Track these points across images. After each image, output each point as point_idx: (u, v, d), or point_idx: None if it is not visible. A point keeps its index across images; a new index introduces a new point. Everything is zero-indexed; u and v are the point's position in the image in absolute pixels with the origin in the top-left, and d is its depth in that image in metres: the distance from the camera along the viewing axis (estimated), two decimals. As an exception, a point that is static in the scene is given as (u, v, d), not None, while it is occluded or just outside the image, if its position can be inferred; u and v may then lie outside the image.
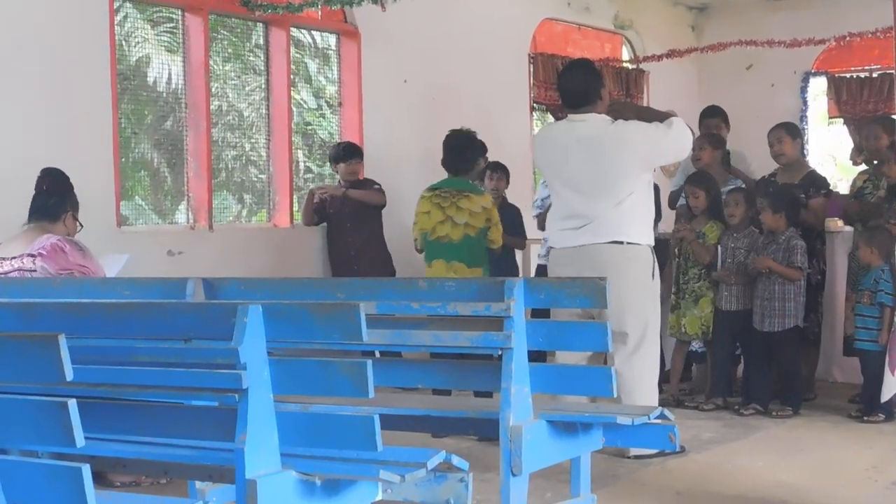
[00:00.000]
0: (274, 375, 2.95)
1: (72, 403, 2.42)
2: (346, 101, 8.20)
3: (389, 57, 8.22)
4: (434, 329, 3.90)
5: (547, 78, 9.57)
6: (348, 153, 7.53)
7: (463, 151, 6.30)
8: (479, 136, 6.95)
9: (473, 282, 4.31)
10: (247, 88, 7.95)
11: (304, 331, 3.04)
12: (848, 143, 10.17)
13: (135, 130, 7.12)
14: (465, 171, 6.30)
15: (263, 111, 7.76)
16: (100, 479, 4.32)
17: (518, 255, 7.52)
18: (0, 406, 2.59)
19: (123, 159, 6.85)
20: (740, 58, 10.36)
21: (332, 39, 8.27)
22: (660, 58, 10.26)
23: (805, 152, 9.79)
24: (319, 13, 7.86)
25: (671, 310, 6.82)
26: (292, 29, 7.79)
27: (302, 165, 8.38)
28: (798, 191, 6.91)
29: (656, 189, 6.00)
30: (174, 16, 7.21)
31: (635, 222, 5.47)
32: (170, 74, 7.27)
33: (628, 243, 5.44)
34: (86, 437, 2.45)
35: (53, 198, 5.12)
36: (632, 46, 10.91)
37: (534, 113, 9.77)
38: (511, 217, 7.23)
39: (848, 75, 10.73)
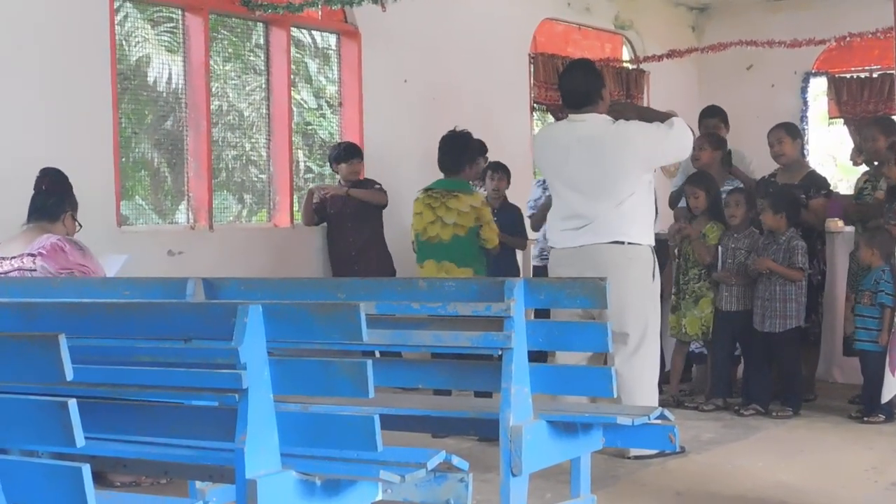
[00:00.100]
0: (274, 375, 2.95)
1: (72, 403, 2.42)
2: (346, 101, 8.20)
3: (390, 57, 8.23)
4: (434, 329, 3.90)
5: (547, 78, 9.57)
6: (349, 153, 7.53)
7: (454, 152, 6.30)
8: (480, 137, 6.96)
9: (474, 282, 4.31)
10: (247, 88, 7.95)
11: (305, 331, 3.04)
12: (848, 144, 10.16)
13: (135, 130, 7.12)
14: (457, 171, 6.29)
15: (264, 111, 7.76)
16: (100, 479, 4.32)
17: (519, 255, 7.51)
18: (0, 406, 2.59)
19: (124, 159, 6.85)
20: (741, 58, 10.37)
21: (333, 39, 8.27)
22: (660, 58, 10.26)
23: (805, 153, 9.79)
24: (320, 13, 7.87)
25: (671, 310, 6.82)
26: (292, 29, 7.79)
27: (302, 165, 8.38)
28: (798, 191, 6.91)
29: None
30: (174, 15, 7.21)
31: (636, 222, 5.47)
32: (170, 74, 7.27)
33: (629, 243, 5.44)
34: (86, 437, 2.45)
35: (52, 198, 5.12)
36: (632, 46, 10.91)
37: (534, 113, 9.76)
38: (512, 217, 7.24)
39: (848, 75, 10.73)
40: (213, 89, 7.32)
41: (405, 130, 8.26)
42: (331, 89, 8.38)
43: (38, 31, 6.07)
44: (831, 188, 7.47)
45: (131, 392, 3.21)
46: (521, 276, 7.34)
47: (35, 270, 4.80)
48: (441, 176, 6.35)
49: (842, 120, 10.76)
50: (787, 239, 6.50)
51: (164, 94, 7.31)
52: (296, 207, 7.77)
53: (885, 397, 5.19)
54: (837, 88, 10.72)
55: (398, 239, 7.41)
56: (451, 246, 6.18)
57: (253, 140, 7.90)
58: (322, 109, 8.52)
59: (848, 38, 9.34)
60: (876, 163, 6.91)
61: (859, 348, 6.35)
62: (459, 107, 8.36)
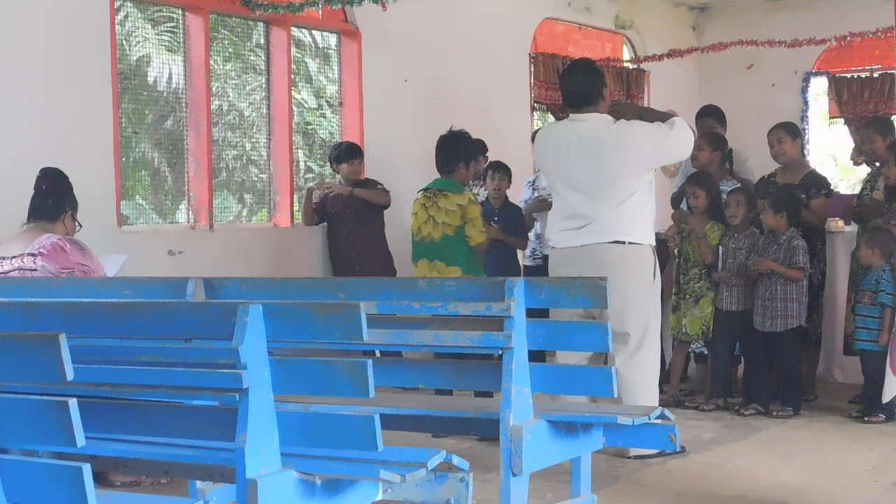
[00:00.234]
0: (274, 375, 2.95)
1: (72, 403, 2.42)
2: (346, 101, 8.19)
3: (390, 56, 8.22)
4: (435, 329, 3.90)
5: (548, 78, 9.57)
6: (350, 153, 7.52)
7: (447, 152, 6.33)
8: (480, 136, 6.96)
9: (474, 282, 4.31)
10: (247, 88, 7.95)
11: (305, 330, 3.04)
12: (848, 144, 10.16)
13: (135, 130, 7.12)
14: (450, 170, 6.31)
15: (264, 111, 7.76)
16: (100, 479, 4.32)
17: (520, 255, 7.51)
18: (1, 405, 2.59)
19: (124, 159, 6.85)
20: (741, 58, 10.36)
21: (333, 39, 8.27)
22: (660, 58, 10.25)
23: (805, 153, 9.79)
24: (320, 13, 7.86)
25: (672, 310, 6.82)
26: (293, 28, 7.79)
27: (302, 165, 8.37)
28: (798, 191, 6.91)
29: None
30: (175, 15, 7.21)
31: (637, 222, 5.47)
32: (170, 74, 7.27)
33: (630, 243, 5.44)
34: (86, 437, 2.45)
35: (52, 198, 5.12)
36: (632, 46, 10.91)
37: (534, 113, 9.76)
38: (512, 217, 7.24)
39: (849, 75, 10.72)
40: (214, 89, 7.32)
41: (405, 130, 8.25)
42: (331, 89, 8.38)
43: (39, 30, 6.07)
44: (831, 188, 7.47)
45: (132, 392, 3.21)
46: (522, 275, 7.34)
47: (35, 270, 4.80)
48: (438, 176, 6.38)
49: (842, 120, 10.75)
50: (787, 239, 6.50)
51: (165, 94, 7.31)
52: (296, 207, 7.77)
53: (886, 397, 5.18)
54: (838, 88, 10.72)
55: (398, 239, 7.41)
56: (442, 245, 6.22)
57: (253, 140, 7.90)
58: (322, 109, 8.52)
59: (848, 38, 9.33)
60: (878, 164, 6.91)
61: (860, 348, 6.35)
62: (460, 107, 8.36)
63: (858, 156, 7.72)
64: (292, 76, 7.80)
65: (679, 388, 7.04)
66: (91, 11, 6.30)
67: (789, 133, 7.14)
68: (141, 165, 7.38)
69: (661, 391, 6.19)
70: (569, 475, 4.17)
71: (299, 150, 8.22)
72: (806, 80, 10.91)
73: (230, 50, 7.80)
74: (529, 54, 9.61)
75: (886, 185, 6.57)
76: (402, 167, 8.00)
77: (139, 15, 7.31)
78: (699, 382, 7.19)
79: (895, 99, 10.30)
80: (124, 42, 7.07)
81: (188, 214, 7.17)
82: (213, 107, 7.26)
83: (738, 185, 7.12)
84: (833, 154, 12.72)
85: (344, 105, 8.21)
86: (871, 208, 6.69)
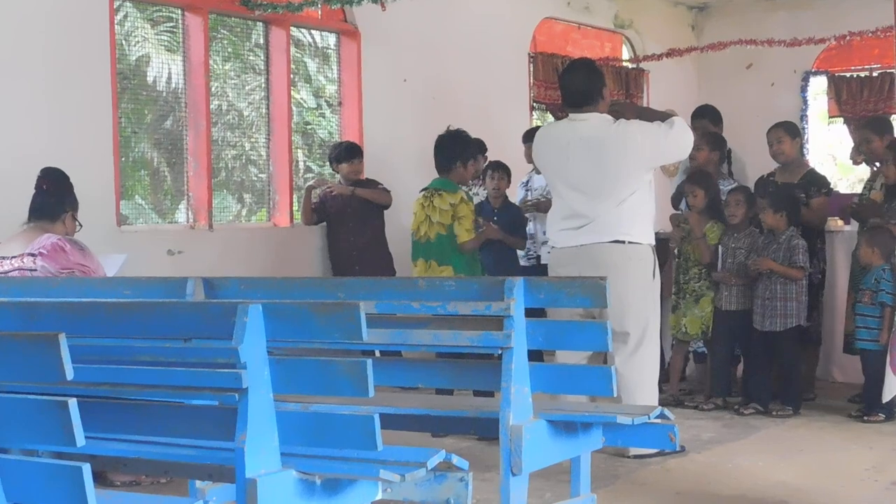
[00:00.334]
0: (274, 375, 2.95)
1: (72, 403, 2.42)
2: (345, 101, 8.19)
3: (389, 56, 8.22)
4: (434, 328, 3.90)
5: (547, 77, 9.57)
6: (350, 153, 7.52)
7: (444, 152, 6.37)
8: (480, 136, 6.96)
9: (474, 281, 4.31)
10: (247, 88, 7.95)
11: (305, 330, 3.04)
12: (848, 143, 10.16)
13: (135, 130, 7.12)
14: (447, 170, 6.34)
15: (263, 110, 7.76)
16: (100, 479, 4.32)
17: (520, 255, 7.51)
18: (0, 405, 2.59)
19: (123, 159, 6.85)
20: (740, 57, 10.36)
21: (332, 39, 8.26)
22: (660, 57, 10.25)
23: (805, 152, 9.79)
24: (319, 12, 7.86)
25: (672, 310, 6.82)
26: (292, 28, 7.79)
27: (302, 165, 8.37)
28: (798, 190, 6.91)
29: None
30: (174, 15, 7.21)
31: (636, 222, 5.47)
32: (170, 74, 7.27)
33: (629, 242, 5.44)
34: (86, 437, 2.45)
35: (53, 198, 5.12)
36: (632, 46, 10.90)
37: (534, 112, 9.76)
38: (512, 217, 7.23)
39: (848, 74, 10.72)
40: (213, 89, 7.32)
41: (405, 130, 8.25)
42: (330, 89, 8.38)
43: (38, 30, 6.07)
44: (831, 187, 7.47)
45: (131, 391, 3.21)
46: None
47: (35, 270, 4.80)
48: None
49: (841, 119, 10.75)
50: (786, 238, 6.50)
51: (164, 94, 7.31)
52: (295, 207, 7.77)
53: (886, 397, 5.18)
54: (837, 87, 10.71)
55: (398, 239, 7.42)
56: (436, 244, 6.27)
57: (252, 139, 7.90)
58: (321, 109, 8.52)
59: (848, 37, 9.33)
60: (877, 164, 6.92)
61: (860, 347, 6.35)
62: (459, 106, 8.36)
63: (858, 155, 7.72)
64: (291, 76, 7.80)
65: (678, 387, 7.04)
66: (90, 11, 6.30)
67: (788, 132, 7.14)
68: (140, 165, 7.38)
69: (661, 390, 6.19)
70: (568, 474, 4.17)
71: (298, 150, 8.22)
72: (805, 80, 10.90)
73: (229, 50, 7.80)
74: (529, 54, 9.61)
75: (886, 184, 6.58)
76: (402, 167, 8.00)
77: (138, 15, 7.31)
78: (698, 382, 7.19)
79: (894, 98, 10.30)
80: (124, 42, 7.06)
81: (187, 214, 7.17)
82: (212, 106, 7.26)
83: (736, 184, 7.12)
84: (832, 153, 12.72)
85: (343, 105, 8.21)
86: (869, 208, 6.69)
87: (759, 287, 6.54)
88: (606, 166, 5.42)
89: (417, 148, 7.67)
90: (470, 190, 7.17)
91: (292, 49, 7.83)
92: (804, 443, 5.83)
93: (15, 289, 4.26)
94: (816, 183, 7.07)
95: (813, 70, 10.89)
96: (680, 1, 11.20)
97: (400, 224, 7.36)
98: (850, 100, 10.62)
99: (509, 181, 7.46)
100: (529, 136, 7.69)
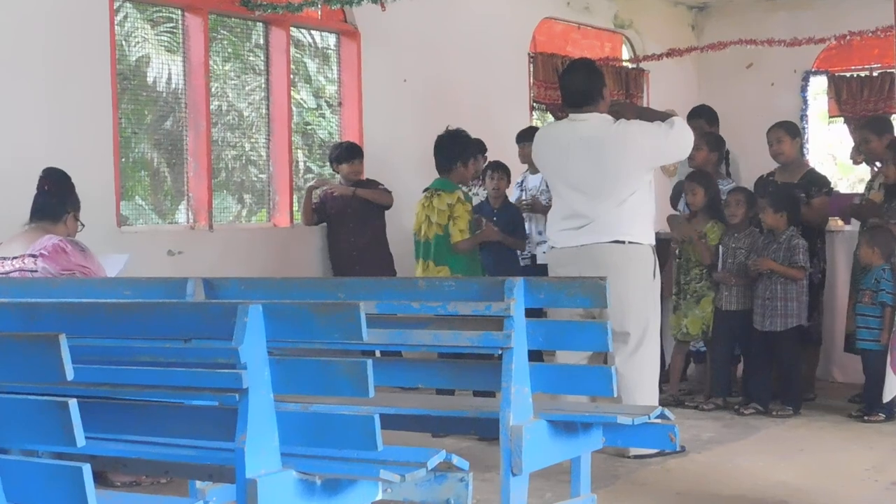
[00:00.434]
0: (274, 375, 2.95)
1: (72, 403, 2.42)
2: (345, 101, 8.19)
3: (389, 56, 8.22)
4: (434, 329, 3.90)
5: (547, 77, 9.57)
6: (351, 153, 7.52)
7: (444, 152, 6.37)
8: (480, 136, 6.97)
9: (474, 281, 4.32)
10: (247, 88, 7.95)
11: (305, 330, 3.04)
12: (848, 143, 10.16)
13: (135, 130, 7.12)
14: (447, 170, 6.35)
15: (263, 111, 7.76)
16: (100, 479, 4.32)
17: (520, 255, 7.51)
18: (1, 406, 2.59)
19: (123, 159, 6.85)
20: (740, 57, 10.36)
21: (332, 39, 8.26)
22: (660, 57, 10.25)
23: (805, 152, 9.79)
24: (319, 13, 7.86)
25: (673, 310, 6.82)
26: (292, 29, 7.79)
27: (302, 165, 8.37)
28: (798, 190, 6.91)
29: None
30: (174, 16, 7.21)
31: (637, 222, 5.47)
32: (170, 74, 7.27)
33: (630, 242, 5.44)
34: (86, 437, 2.45)
35: (54, 198, 5.12)
36: (632, 46, 10.91)
37: (534, 112, 9.76)
38: (511, 217, 7.23)
39: (848, 74, 10.72)
40: (213, 89, 7.32)
41: (405, 130, 8.25)
42: (330, 89, 8.38)
43: (39, 31, 6.07)
44: (831, 186, 7.47)
45: (132, 392, 3.21)
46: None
47: (36, 271, 4.80)
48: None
49: (842, 119, 10.75)
50: (787, 238, 6.50)
51: (164, 94, 7.31)
52: (296, 207, 7.77)
53: (887, 397, 5.18)
54: (837, 87, 10.71)
55: (398, 240, 7.42)
56: (434, 244, 6.29)
57: (252, 140, 7.90)
58: (321, 109, 8.52)
59: (848, 37, 9.32)
60: (878, 163, 6.92)
61: (861, 347, 6.35)
62: (459, 106, 8.36)
63: (858, 155, 7.72)
64: (291, 76, 7.80)
65: (679, 387, 7.04)
66: (90, 12, 6.30)
67: (788, 132, 7.14)
68: (140, 166, 7.38)
69: (661, 391, 6.19)
70: (568, 475, 4.17)
71: (298, 151, 8.22)
72: (805, 79, 10.90)
73: (229, 50, 7.80)
74: (529, 54, 9.61)
75: (885, 184, 6.58)
76: (402, 167, 8.00)
77: (138, 15, 7.31)
78: (698, 382, 7.19)
79: (895, 98, 10.30)
80: (124, 42, 7.07)
81: (188, 215, 7.17)
82: (212, 107, 7.26)
83: (735, 184, 7.12)
84: (832, 153, 12.71)
85: (343, 105, 8.21)
86: (868, 208, 6.69)
87: (760, 287, 6.53)
88: (606, 166, 5.42)
89: (417, 148, 7.67)
90: (470, 190, 7.16)
91: (292, 49, 7.83)
92: (804, 443, 5.83)
93: (15, 289, 4.26)
94: (817, 182, 7.07)
95: (813, 70, 10.90)
96: (680, 1, 11.20)
97: (400, 224, 7.36)
98: (850, 99, 10.62)
99: (509, 181, 7.46)
100: (522, 137, 7.71)
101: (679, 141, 5.53)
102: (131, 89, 7.01)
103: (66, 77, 6.18)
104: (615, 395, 4.14)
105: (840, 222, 7.50)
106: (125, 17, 7.12)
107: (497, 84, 9.12)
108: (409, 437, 4.28)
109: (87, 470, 2.47)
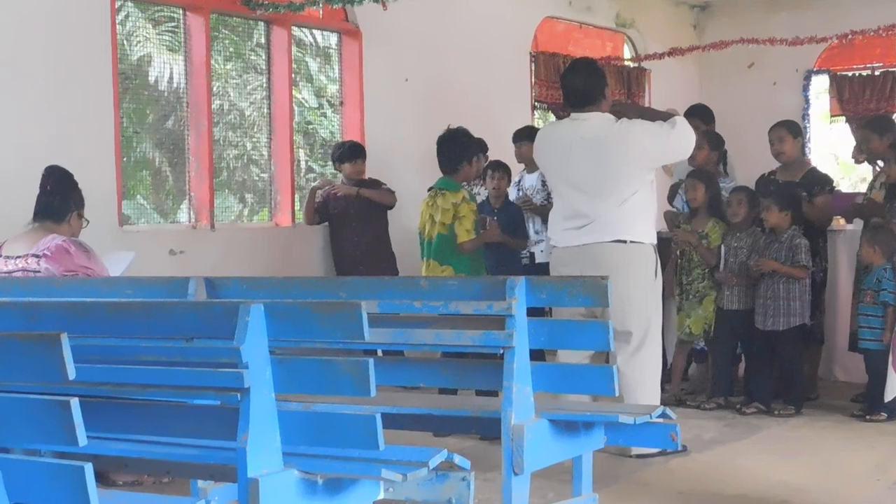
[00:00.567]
0: (276, 374, 2.95)
1: (74, 402, 2.42)
2: (347, 100, 8.19)
3: (391, 56, 8.22)
4: (436, 328, 3.90)
5: (548, 77, 9.57)
6: (353, 153, 7.52)
7: (448, 152, 6.36)
8: (481, 135, 6.97)
9: (475, 281, 4.31)
10: (248, 87, 7.95)
11: (307, 330, 3.04)
12: (850, 142, 10.15)
13: (136, 130, 7.12)
14: (452, 170, 6.34)
15: (265, 110, 7.76)
16: (102, 479, 4.32)
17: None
18: (3, 405, 2.59)
19: (125, 159, 6.85)
20: (742, 56, 10.35)
21: (334, 38, 8.26)
22: (661, 56, 10.25)
23: (807, 151, 9.78)
24: (321, 12, 7.86)
25: (677, 311, 6.82)
26: (294, 28, 7.79)
27: (303, 165, 8.38)
28: (800, 189, 6.91)
29: None
30: (175, 15, 7.21)
31: (638, 221, 5.47)
32: (171, 74, 7.27)
33: (631, 242, 5.44)
34: (88, 437, 2.45)
35: (57, 198, 5.10)
36: (633, 45, 10.90)
37: (535, 112, 9.76)
38: (512, 217, 7.22)
39: (850, 73, 10.71)
40: (215, 89, 7.32)
41: (406, 129, 8.25)
42: (332, 88, 8.38)
43: (40, 30, 6.07)
44: (833, 185, 7.46)
45: (133, 391, 3.21)
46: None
47: (39, 272, 4.79)
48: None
49: (843, 118, 10.75)
50: (788, 237, 6.49)
51: (166, 94, 7.31)
52: (297, 207, 7.77)
53: (889, 396, 5.19)
54: (839, 86, 10.70)
55: (400, 239, 7.42)
56: (437, 244, 6.29)
57: (254, 139, 7.90)
58: (323, 108, 8.52)
59: (850, 36, 9.32)
60: (880, 162, 6.92)
61: (863, 347, 6.34)
62: (460, 106, 8.35)
63: (860, 154, 7.72)
64: (293, 76, 7.80)
65: (680, 386, 7.04)
66: (92, 11, 6.30)
67: (790, 131, 7.14)
68: (142, 165, 7.38)
69: (663, 390, 6.18)
70: (570, 474, 4.17)
71: (300, 150, 8.22)
72: (807, 79, 10.90)
73: (231, 49, 7.80)
74: (530, 53, 9.61)
75: (887, 183, 6.58)
76: (403, 167, 8.00)
77: (140, 15, 7.31)
78: (700, 381, 7.19)
79: (896, 97, 10.30)
80: (125, 42, 7.07)
81: (189, 214, 7.17)
82: (213, 106, 7.26)
83: (735, 182, 7.11)
84: (834, 152, 12.70)
85: (345, 104, 8.21)
86: (870, 208, 6.69)
87: (762, 286, 6.53)
88: (608, 166, 5.42)
89: (418, 147, 7.68)
90: (472, 189, 7.16)
91: (294, 49, 7.83)
92: (806, 442, 5.83)
93: (17, 289, 4.26)
94: (819, 181, 7.06)
95: (815, 69, 10.89)
96: (681, 0, 11.19)
97: (402, 224, 7.36)
98: (852, 99, 10.61)
99: (509, 181, 7.46)
100: (519, 137, 7.71)
101: (681, 140, 5.52)
102: (133, 89, 7.01)
103: (68, 77, 6.18)
104: (617, 395, 4.14)
105: (842, 221, 7.49)
106: (126, 16, 7.12)
107: (498, 83, 9.12)
108: (410, 436, 4.29)
109: (88, 469, 2.47)
